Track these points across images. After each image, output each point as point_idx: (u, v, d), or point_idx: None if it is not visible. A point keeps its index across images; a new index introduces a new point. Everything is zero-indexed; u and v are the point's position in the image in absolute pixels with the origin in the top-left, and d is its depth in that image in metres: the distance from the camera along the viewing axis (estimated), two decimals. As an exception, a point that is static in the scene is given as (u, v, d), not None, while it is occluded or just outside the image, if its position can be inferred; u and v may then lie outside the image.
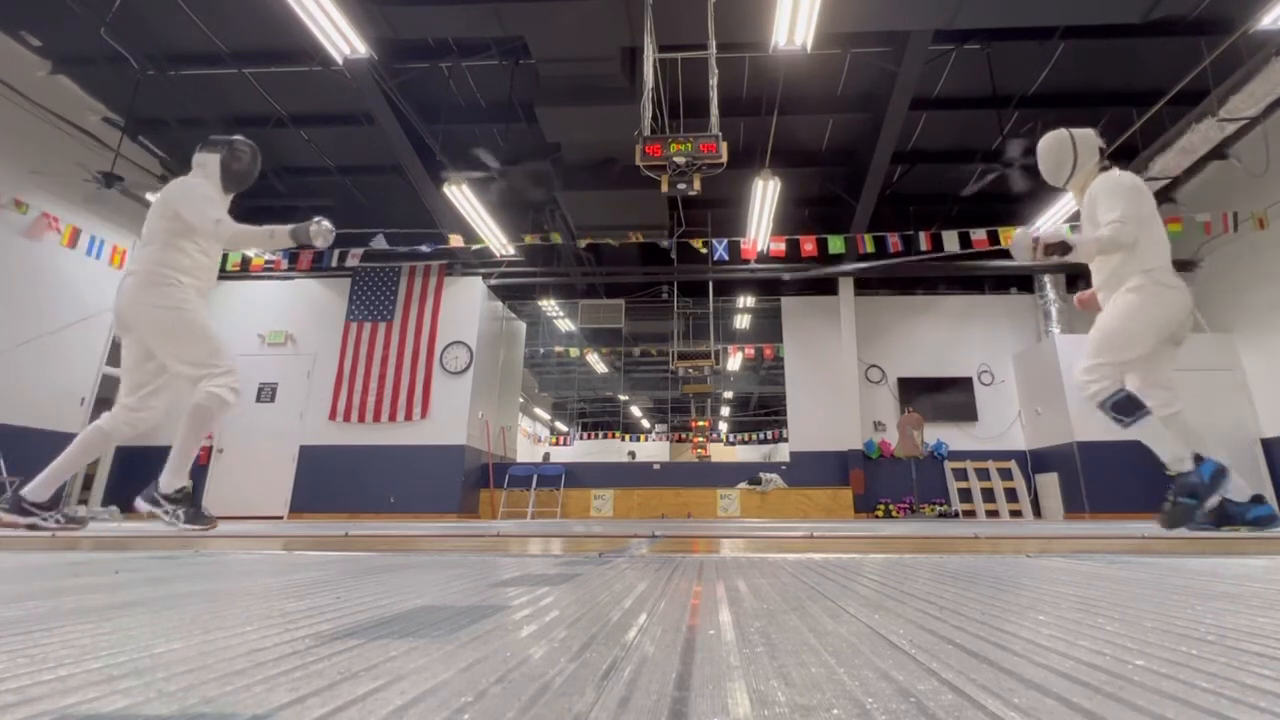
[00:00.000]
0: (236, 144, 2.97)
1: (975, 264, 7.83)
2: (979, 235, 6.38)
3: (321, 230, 2.69)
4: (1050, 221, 6.20)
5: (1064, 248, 2.60)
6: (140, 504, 2.71)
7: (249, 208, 8.00)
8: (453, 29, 5.19)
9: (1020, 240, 2.64)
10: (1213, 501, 2.53)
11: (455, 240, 6.83)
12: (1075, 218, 6.29)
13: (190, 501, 2.78)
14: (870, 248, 6.79)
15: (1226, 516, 2.55)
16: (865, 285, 8.69)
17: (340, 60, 4.59)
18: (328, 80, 5.84)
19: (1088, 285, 3.03)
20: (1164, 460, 2.64)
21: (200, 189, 2.80)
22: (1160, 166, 5.77)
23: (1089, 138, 2.94)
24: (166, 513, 2.68)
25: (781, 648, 0.43)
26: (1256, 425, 6.76)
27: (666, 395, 17.29)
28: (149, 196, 6.02)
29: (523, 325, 10.24)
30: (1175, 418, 2.70)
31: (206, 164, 2.94)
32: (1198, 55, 4.97)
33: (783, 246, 6.78)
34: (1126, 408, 2.64)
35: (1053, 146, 2.97)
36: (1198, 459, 2.54)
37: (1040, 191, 6.34)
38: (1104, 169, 2.89)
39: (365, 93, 5.55)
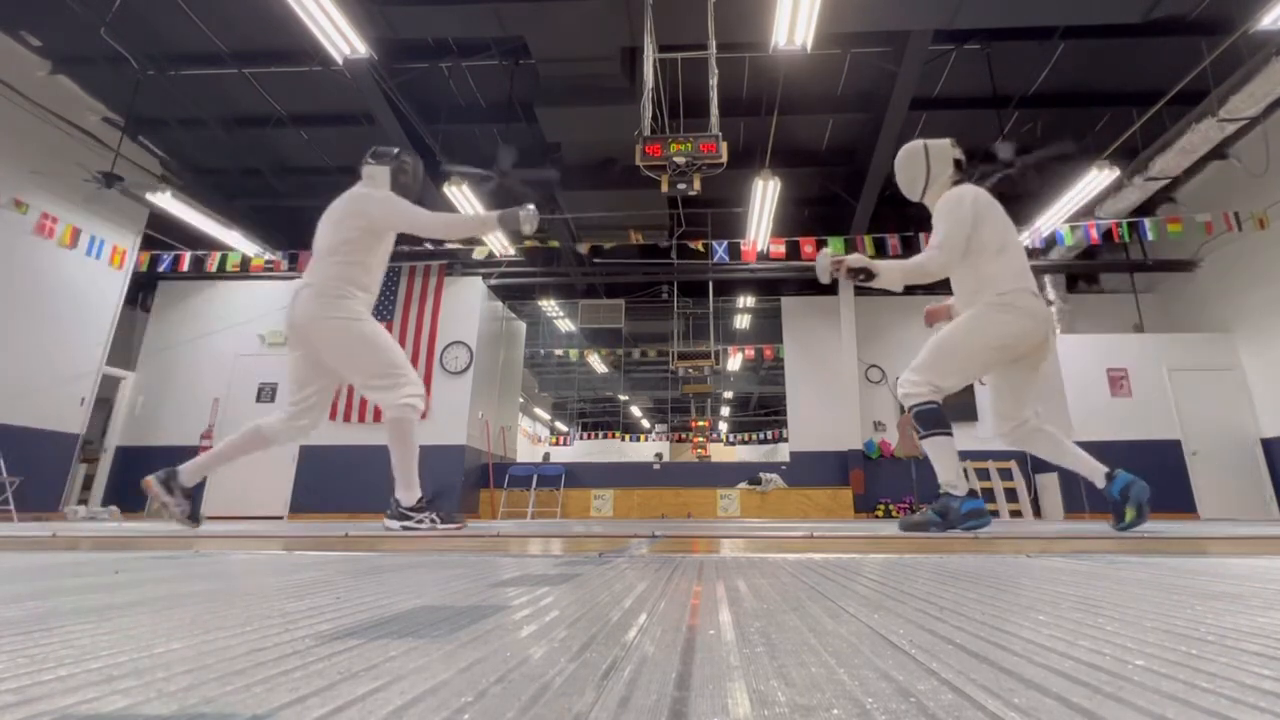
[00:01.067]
0: (403, 156, 2.95)
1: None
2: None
3: (530, 216, 2.66)
4: (1050, 221, 6.20)
5: (867, 273, 2.55)
6: (390, 524, 2.67)
7: (249, 208, 8.01)
8: (453, 29, 5.19)
9: (821, 261, 2.61)
10: (955, 531, 2.47)
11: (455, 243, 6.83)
12: (1075, 217, 6.30)
13: (434, 506, 2.74)
14: (870, 248, 6.78)
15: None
16: (865, 285, 8.69)
17: (340, 60, 4.59)
18: (328, 80, 5.84)
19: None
20: (939, 478, 2.55)
21: (384, 194, 2.76)
22: (1160, 166, 5.77)
23: (944, 149, 2.77)
24: (419, 523, 2.63)
25: (781, 648, 0.43)
26: (1256, 425, 6.76)
27: (666, 395, 17.29)
28: (149, 197, 6.02)
29: (523, 325, 10.25)
30: (1035, 435, 2.62)
31: (376, 176, 2.90)
32: (1198, 55, 4.97)
33: (783, 247, 6.78)
34: (927, 421, 2.53)
35: (906, 159, 2.83)
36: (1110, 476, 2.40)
37: (1041, 191, 6.34)
38: (955, 183, 2.74)
39: (365, 93, 5.55)
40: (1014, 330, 2.50)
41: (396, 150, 2.96)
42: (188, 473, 2.66)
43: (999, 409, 2.71)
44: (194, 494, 2.72)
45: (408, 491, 2.70)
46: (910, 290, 9.67)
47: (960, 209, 2.59)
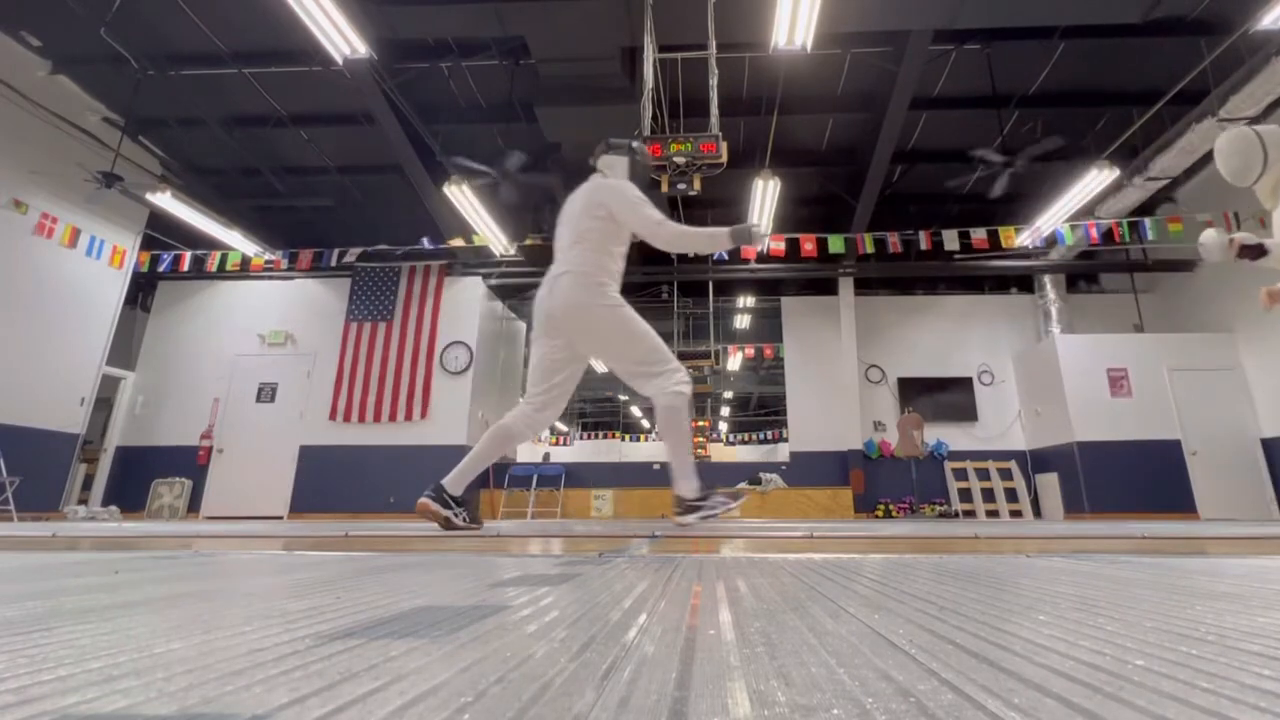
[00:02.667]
0: (637, 146, 2.95)
1: (975, 264, 7.83)
2: (979, 235, 6.38)
3: (759, 233, 2.63)
4: (1050, 221, 6.20)
5: (1259, 250, 2.55)
6: (684, 519, 2.61)
7: (249, 208, 8.01)
8: (453, 29, 5.19)
9: (1212, 241, 2.58)
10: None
11: (456, 243, 6.83)
12: (1075, 217, 6.30)
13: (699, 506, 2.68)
14: (870, 248, 6.79)
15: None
16: (865, 285, 8.70)
17: (340, 60, 4.59)
18: (328, 80, 5.84)
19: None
20: None
21: (634, 189, 2.73)
22: (1160, 166, 5.77)
23: (1277, 135, 2.80)
24: (713, 509, 2.58)
25: (781, 648, 0.43)
26: (1256, 425, 6.76)
27: (666, 395, 17.25)
28: (149, 197, 6.02)
29: (523, 325, 10.24)
30: None
31: (615, 165, 2.89)
32: (1198, 55, 4.97)
33: (783, 246, 6.78)
34: None
35: (1237, 146, 2.81)
36: None
37: (1040, 191, 6.34)
38: None
39: (365, 93, 5.55)
40: None
41: (631, 141, 2.97)
42: (452, 483, 2.62)
43: None
44: (466, 500, 2.65)
45: (688, 482, 2.64)
46: (910, 290, 9.67)
47: None
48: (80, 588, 0.80)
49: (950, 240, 6.46)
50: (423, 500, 2.56)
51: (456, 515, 2.56)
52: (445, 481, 2.60)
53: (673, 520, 2.67)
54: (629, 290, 2.77)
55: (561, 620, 0.55)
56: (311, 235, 8.30)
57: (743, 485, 7.90)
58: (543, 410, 2.69)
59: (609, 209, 2.68)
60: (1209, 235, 2.60)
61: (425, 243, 7.06)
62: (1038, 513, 7.63)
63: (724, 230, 2.64)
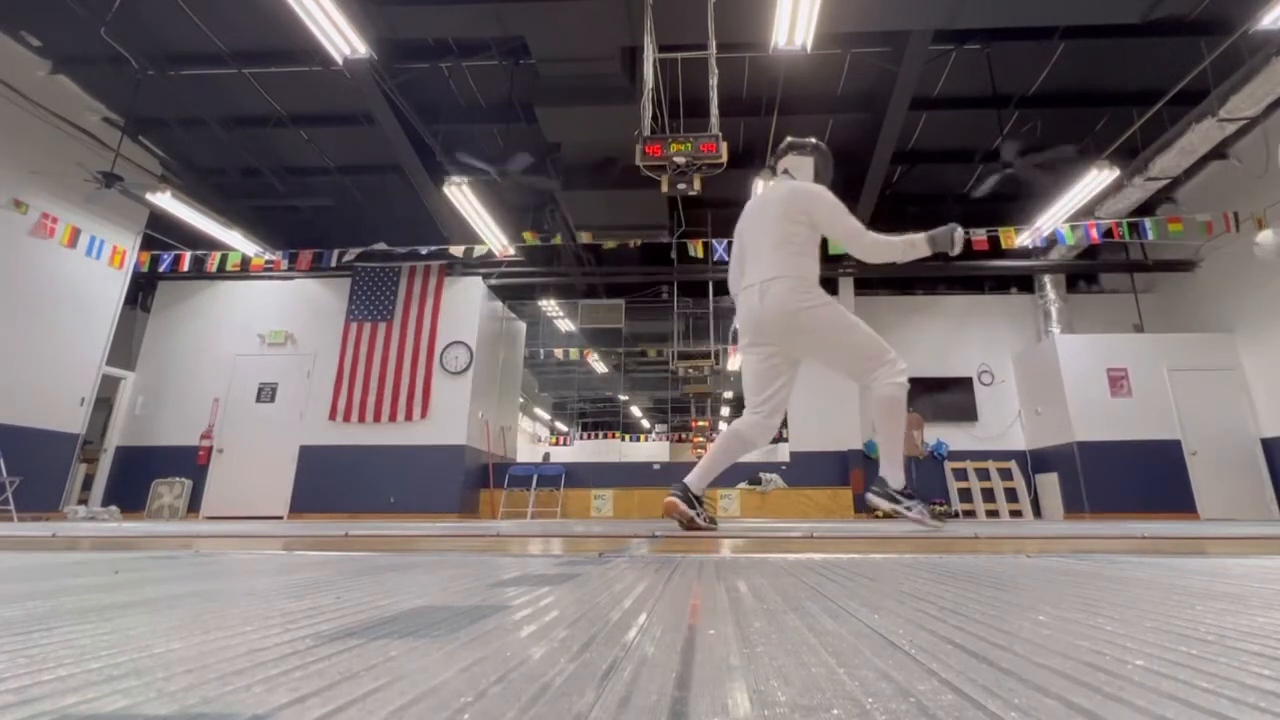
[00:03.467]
0: (822, 147, 2.94)
1: (975, 264, 7.83)
2: (979, 235, 6.37)
3: (959, 237, 2.63)
4: (1050, 221, 6.20)
5: None
6: (879, 502, 2.61)
7: (249, 208, 8.01)
8: (452, 29, 5.19)
9: (1270, 241, 2.56)
10: None
11: (456, 251, 6.83)
12: (1075, 217, 6.30)
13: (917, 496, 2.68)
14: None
15: None
16: (865, 285, 8.69)
17: (340, 60, 4.59)
18: (328, 80, 5.84)
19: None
20: None
21: (832, 196, 2.72)
22: (1160, 166, 5.77)
23: None
24: (909, 509, 2.58)
25: (782, 647, 0.43)
26: (1256, 425, 6.76)
27: (666, 395, 17.30)
28: (149, 197, 6.02)
29: (523, 325, 10.25)
30: None
31: (801, 166, 2.89)
32: (1198, 55, 4.97)
33: (783, 246, 6.77)
34: None
35: None
36: None
37: (1039, 191, 6.34)
38: None
39: (365, 93, 5.55)
40: None
41: (814, 140, 2.96)
42: (695, 483, 2.64)
43: None
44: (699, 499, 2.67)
45: (896, 470, 2.64)
46: (910, 290, 9.69)
47: None
48: (80, 588, 0.80)
49: (950, 240, 6.45)
50: (670, 499, 2.58)
51: (699, 515, 2.57)
52: (688, 481, 2.62)
53: (866, 496, 2.68)
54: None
55: (561, 620, 0.55)
56: (311, 235, 8.31)
57: (743, 485, 7.91)
58: (770, 417, 2.72)
59: (810, 215, 2.68)
60: (1266, 236, 2.59)
61: (423, 250, 7.06)
62: (1038, 513, 7.63)
63: (921, 236, 2.64)
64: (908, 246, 2.65)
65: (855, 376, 2.69)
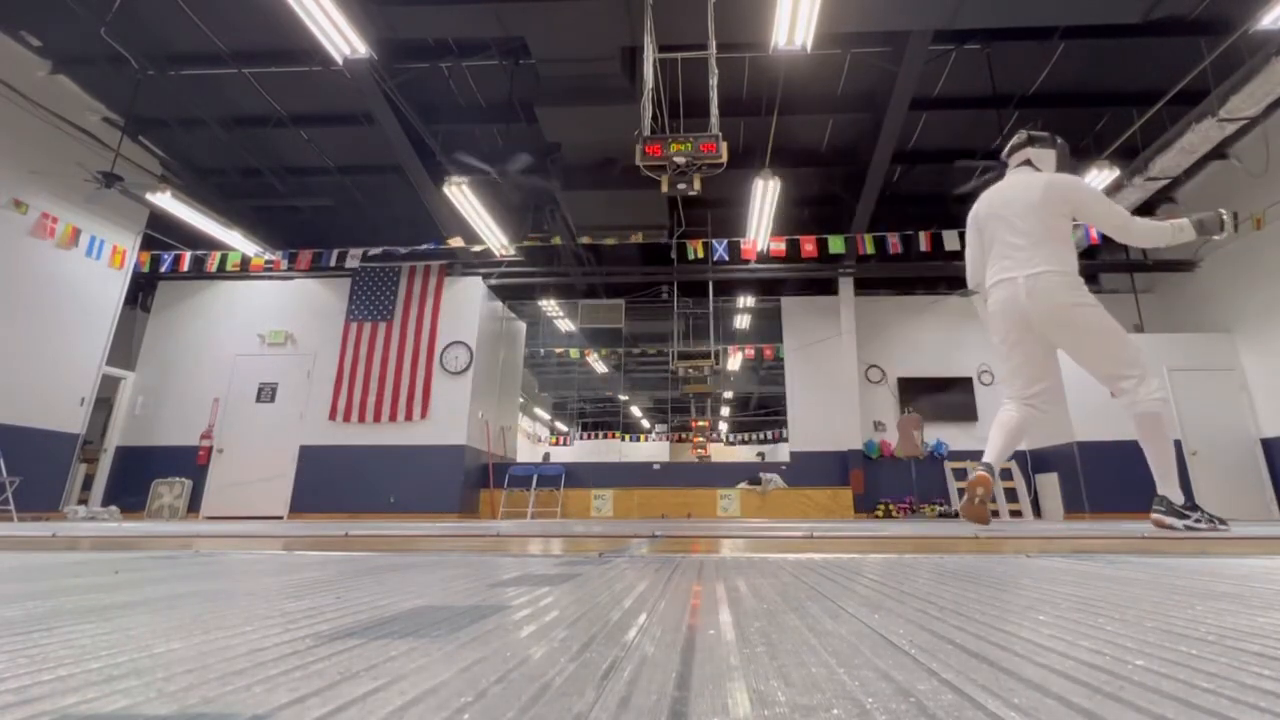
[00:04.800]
0: (1060, 140, 2.94)
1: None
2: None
3: (1228, 220, 2.62)
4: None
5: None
6: (1171, 521, 2.55)
7: (249, 208, 8.01)
8: (452, 29, 5.19)
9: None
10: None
11: (455, 243, 6.83)
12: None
13: (1199, 510, 2.62)
14: (870, 248, 6.79)
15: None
16: (865, 285, 8.69)
17: (340, 60, 4.59)
18: (328, 80, 5.84)
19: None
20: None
21: (1089, 184, 2.75)
22: (1160, 166, 5.76)
23: None
24: (1198, 521, 2.52)
25: (781, 647, 0.43)
26: (1256, 425, 6.75)
27: (666, 395, 17.29)
28: (149, 197, 6.01)
29: (523, 325, 10.25)
30: None
31: (1045, 159, 2.87)
32: (1198, 55, 4.97)
33: (783, 246, 6.78)
34: None
35: None
36: None
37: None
38: None
39: (365, 93, 5.54)
40: None
41: (1050, 133, 2.95)
42: (995, 460, 2.75)
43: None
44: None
45: (1173, 487, 2.60)
46: (910, 290, 9.68)
47: None
48: (80, 588, 0.80)
49: (950, 240, 6.46)
50: (981, 474, 2.74)
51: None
52: (989, 461, 2.74)
53: (1152, 520, 2.63)
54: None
55: (562, 620, 0.55)
56: (311, 235, 8.31)
57: (743, 485, 7.91)
58: (1045, 408, 2.79)
59: (1074, 205, 2.68)
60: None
61: (431, 246, 7.06)
62: (1038, 513, 7.63)
63: (1188, 220, 2.65)
64: (1176, 231, 2.66)
65: (1106, 381, 2.71)
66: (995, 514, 2.77)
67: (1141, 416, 2.59)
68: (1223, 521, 2.56)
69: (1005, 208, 2.79)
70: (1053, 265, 2.64)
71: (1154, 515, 2.61)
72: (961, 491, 7.75)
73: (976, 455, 7.84)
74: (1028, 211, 2.71)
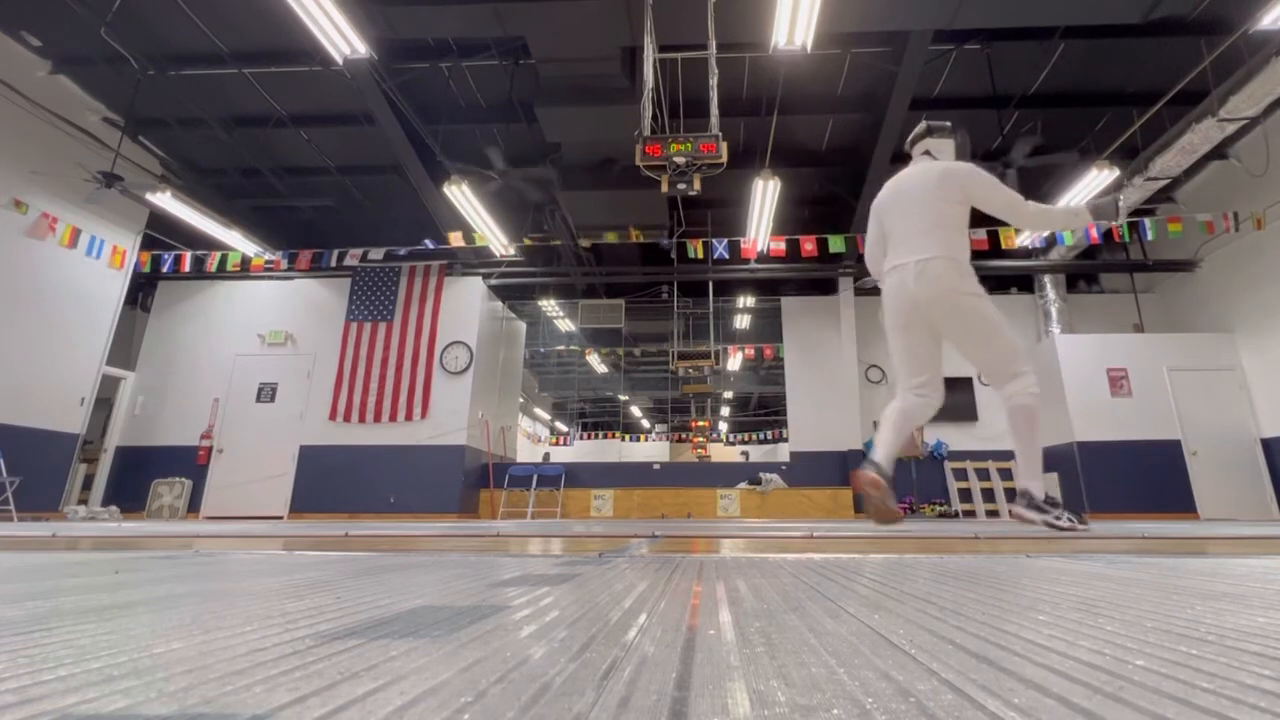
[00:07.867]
0: (959, 129, 2.95)
1: (975, 264, 7.82)
2: (979, 235, 6.37)
3: (1123, 206, 2.67)
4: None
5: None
6: (1029, 514, 2.57)
7: (249, 208, 8.01)
8: (453, 29, 5.18)
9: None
10: None
11: (455, 239, 6.82)
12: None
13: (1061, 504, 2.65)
14: (870, 248, 6.78)
15: None
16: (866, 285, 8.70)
17: (340, 60, 4.59)
18: (328, 80, 5.84)
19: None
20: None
21: (983, 170, 2.72)
22: (1160, 166, 5.76)
23: None
24: (1058, 519, 2.54)
25: (781, 648, 0.43)
26: (1256, 425, 6.76)
27: (666, 395, 17.29)
28: (149, 197, 6.02)
29: (523, 325, 10.24)
30: None
31: (943, 148, 2.89)
32: (1198, 55, 4.97)
33: (783, 246, 6.78)
34: None
35: None
36: None
37: (1038, 191, 6.34)
38: None
39: (365, 93, 5.54)
40: None
41: (950, 123, 2.96)
42: (884, 460, 2.71)
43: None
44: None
45: (1037, 481, 2.62)
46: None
47: None
48: (80, 588, 0.80)
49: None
50: (870, 475, 2.69)
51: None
52: (878, 459, 2.69)
53: (1011, 513, 2.66)
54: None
55: (562, 620, 0.55)
56: (311, 235, 8.31)
57: (743, 485, 7.90)
58: (932, 397, 2.75)
59: (967, 192, 2.68)
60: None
61: (427, 244, 7.05)
62: (1038, 513, 7.62)
63: (1083, 206, 2.65)
64: (1070, 216, 2.66)
65: (991, 376, 2.70)
66: (907, 511, 2.75)
67: (1017, 409, 2.60)
68: (1084, 521, 2.57)
69: (902, 196, 2.81)
70: (943, 251, 2.65)
71: (1014, 508, 2.64)
72: (962, 491, 7.76)
73: (977, 455, 7.88)
74: (923, 199, 2.73)
